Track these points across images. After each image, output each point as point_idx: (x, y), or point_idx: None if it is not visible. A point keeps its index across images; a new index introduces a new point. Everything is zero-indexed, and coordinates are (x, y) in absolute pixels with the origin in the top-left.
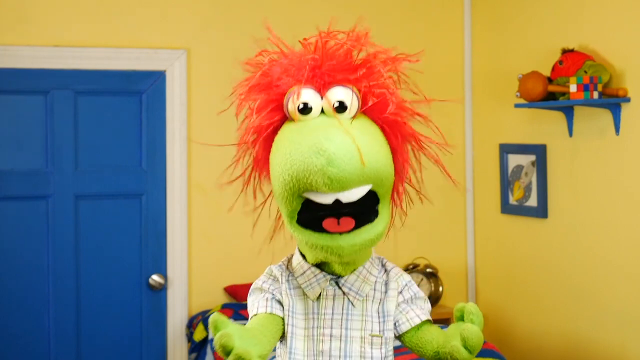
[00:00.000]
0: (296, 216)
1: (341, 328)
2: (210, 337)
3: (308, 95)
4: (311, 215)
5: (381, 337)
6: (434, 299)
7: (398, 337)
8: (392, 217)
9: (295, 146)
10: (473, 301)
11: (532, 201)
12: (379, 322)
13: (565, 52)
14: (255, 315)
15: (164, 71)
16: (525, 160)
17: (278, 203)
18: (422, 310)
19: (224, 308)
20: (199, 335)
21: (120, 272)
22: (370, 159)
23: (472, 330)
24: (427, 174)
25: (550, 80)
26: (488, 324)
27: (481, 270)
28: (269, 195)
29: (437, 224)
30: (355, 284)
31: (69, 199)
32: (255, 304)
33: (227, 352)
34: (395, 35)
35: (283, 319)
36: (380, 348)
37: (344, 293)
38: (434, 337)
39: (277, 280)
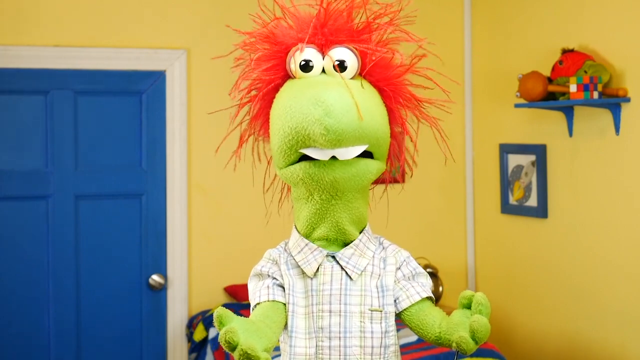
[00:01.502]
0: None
1: (340, 303)
2: (210, 336)
3: (310, 53)
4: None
5: (381, 311)
6: (434, 299)
7: (398, 314)
8: (386, 182)
9: (295, 99)
10: None
11: (532, 201)
12: (378, 297)
13: (565, 52)
14: (257, 304)
15: (164, 71)
16: (525, 160)
17: (274, 157)
18: (422, 287)
19: (225, 307)
20: (199, 335)
21: (120, 272)
22: (367, 116)
23: (481, 322)
24: (427, 173)
25: (550, 80)
26: None
27: (481, 270)
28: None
29: (437, 224)
30: (353, 258)
31: (69, 199)
32: (256, 292)
33: (233, 348)
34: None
35: (284, 304)
36: (380, 323)
37: (341, 267)
38: (436, 321)
39: (276, 262)
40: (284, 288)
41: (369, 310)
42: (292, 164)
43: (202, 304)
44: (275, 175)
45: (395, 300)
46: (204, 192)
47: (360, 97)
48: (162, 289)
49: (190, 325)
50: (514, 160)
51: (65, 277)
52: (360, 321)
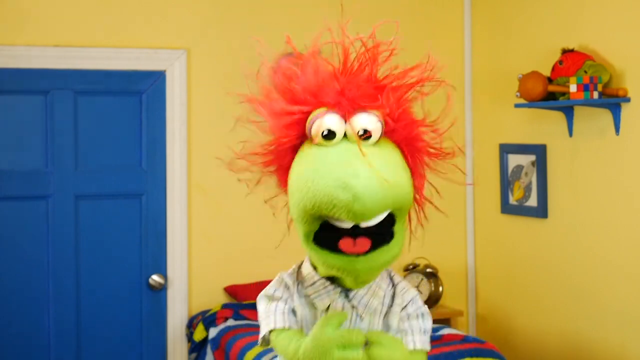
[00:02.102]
0: (312, 236)
1: None
2: (210, 336)
3: (333, 121)
4: (328, 235)
5: None
6: (434, 299)
7: None
8: (408, 235)
9: (319, 176)
10: (473, 301)
11: (532, 201)
12: None
13: (565, 52)
14: (273, 330)
15: (164, 71)
16: (525, 160)
17: (294, 221)
18: (420, 337)
19: (224, 308)
20: (199, 335)
21: (120, 272)
22: (394, 189)
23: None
24: (427, 173)
25: (550, 80)
26: (488, 324)
27: (481, 270)
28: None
29: (437, 224)
30: (365, 298)
31: (69, 199)
32: (270, 315)
33: None
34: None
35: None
36: None
37: (352, 306)
38: None
39: (289, 288)
40: (295, 313)
41: None
42: (312, 230)
43: (202, 304)
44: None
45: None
46: (204, 192)
47: (387, 171)
48: (162, 289)
49: (190, 325)
50: (514, 160)
51: (65, 277)
52: None
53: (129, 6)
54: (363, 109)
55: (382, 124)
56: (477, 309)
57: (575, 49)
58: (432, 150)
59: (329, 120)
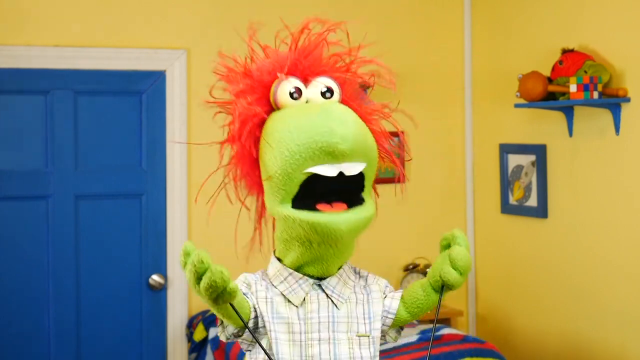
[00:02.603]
0: (291, 202)
1: (328, 331)
2: (210, 336)
3: (296, 82)
4: (305, 202)
5: (368, 336)
6: None
7: (395, 321)
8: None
9: (302, 118)
10: (473, 301)
11: (532, 201)
12: (365, 323)
13: (565, 52)
14: None
15: (164, 71)
16: (525, 160)
17: (271, 190)
18: (398, 291)
19: None
20: (199, 335)
21: (120, 272)
22: (369, 140)
23: (459, 251)
24: (427, 173)
25: (550, 80)
26: (488, 324)
27: (481, 270)
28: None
29: (437, 224)
30: (337, 287)
31: (69, 199)
32: None
33: (203, 271)
34: (395, 35)
35: (255, 307)
36: (369, 347)
37: (327, 296)
38: (421, 280)
39: (250, 287)
40: (255, 309)
41: (357, 336)
42: (292, 191)
43: (202, 304)
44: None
45: (385, 310)
46: (204, 192)
47: (359, 122)
48: (162, 289)
49: (190, 325)
50: (514, 160)
51: (65, 277)
52: (350, 347)
53: (129, 6)
54: (322, 73)
55: (339, 87)
56: (477, 309)
57: (575, 49)
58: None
59: (292, 81)
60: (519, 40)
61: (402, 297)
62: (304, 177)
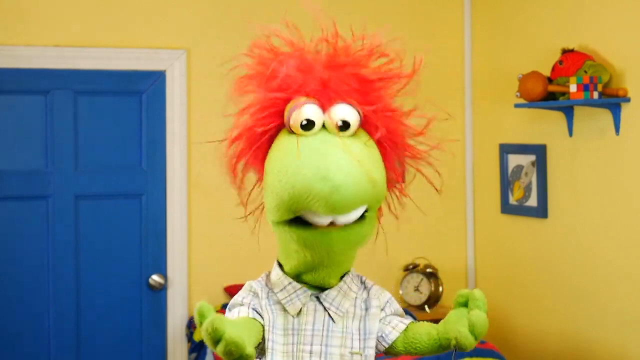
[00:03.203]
0: (287, 222)
1: (321, 345)
2: None
3: (312, 111)
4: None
5: (361, 354)
6: (434, 299)
7: (388, 349)
8: (378, 223)
9: (298, 167)
10: None
11: (532, 201)
12: (359, 340)
13: (565, 52)
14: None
15: (164, 71)
16: (525, 160)
17: (266, 209)
18: (403, 319)
19: (224, 308)
20: (199, 335)
21: (120, 272)
22: (374, 184)
23: (480, 316)
24: (427, 173)
25: (550, 80)
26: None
27: (481, 270)
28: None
29: (437, 224)
30: (336, 299)
31: (69, 199)
32: (235, 312)
33: (218, 338)
34: (395, 35)
35: (263, 327)
36: None
37: (324, 308)
38: (430, 329)
39: (257, 295)
40: (263, 318)
41: (350, 353)
42: (285, 221)
43: None
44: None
45: (380, 337)
46: (204, 192)
47: (367, 164)
48: (162, 289)
49: (190, 325)
50: (514, 160)
51: (65, 277)
52: None
53: (129, 6)
54: (342, 99)
55: (361, 116)
56: None
57: (575, 49)
58: (410, 147)
59: (308, 109)
60: (519, 40)
61: (404, 332)
62: (294, 215)
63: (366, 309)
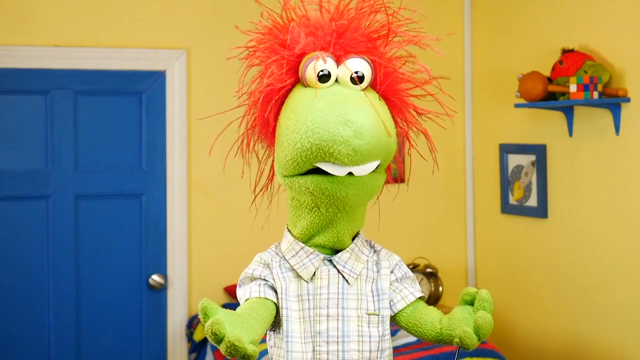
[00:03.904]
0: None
1: (337, 307)
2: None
3: (328, 63)
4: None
5: (378, 315)
6: (434, 299)
7: (393, 317)
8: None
9: (319, 114)
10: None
11: (532, 201)
12: (374, 301)
13: (565, 52)
14: (246, 300)
15: (164, 71)
16: (525, 160)
17: (280, 165)
18: (414, 288)
19: (224, 308)
20: (199, 335)
21: (120, 272)
22: (388, 137)
23: (486, 318)
24: (427, 173)
25: (550, 80)
26: None
27: (481, 270)
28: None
29: (437, 224)
30: (349, 262)
31: (69, 199)
32: (247, 290)
33: (219, 340)
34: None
35: (276, 304)
36: (378, 326)
37: (338, 271)
38: (435, 318)
39: (268, 266)
40: (275, 290)
41: (367, 314)
42: (301, 174)
43: None
44: (268, 175)
45: (389, 302)
46: (204, 192)
47: (382, 114)
48: (162, 289)
49: (190, 325)
50: (514, 160)
51: (65, 277)
52: (358, 325)
53: (129, 6)
54: (357, 52)
55: (372, 70)
56: None
57: (575, 49)
58: (417, 109)
59: (323, 62)
60: (519, 40)
61: (412, 311)
62: (311, 167)
63: (377, 271)
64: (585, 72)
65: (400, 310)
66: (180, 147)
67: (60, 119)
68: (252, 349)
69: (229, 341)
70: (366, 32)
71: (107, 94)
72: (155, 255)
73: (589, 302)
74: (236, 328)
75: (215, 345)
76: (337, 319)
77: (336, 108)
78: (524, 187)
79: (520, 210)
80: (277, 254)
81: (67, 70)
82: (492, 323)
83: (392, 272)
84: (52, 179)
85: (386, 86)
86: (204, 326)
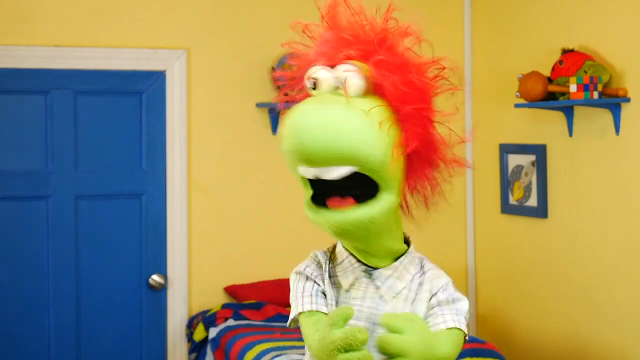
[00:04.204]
0: (310, 200)
1: (367, 322)
2: (210, 336)
3: (317, 70)
4: (318, 196)
5: None
6: (467, 301)
7: None
8: (401, 215)
9: (292, 119)
10: (473, 301)
11: (532, 201)
12: None
13: (565, 52)
14: (302, 313)
15: (164, 71)
16: (525, 160)
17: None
18: (452, 316)
19: (224, 308)
20: (199, 335)
21: (120, 272)
22: (350, 141)
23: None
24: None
25: (550, 80)
26: (488, 324)
27: (481, 270)
28: None
29: (437, 224)
30: (389, 280)
31: (69, 199)
32: (299, 297)
33: (352, 349)
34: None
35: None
36: None
37: (376, 287)
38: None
39: (321, 266)
40: (325, 295)
41: None
42: (307, 188)
43: (202, 304)
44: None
45: (427, 323)
46: (204, 192)
47: (345, 117)
48: (162, 289)
49: (190, 325)
50: (514, 160)
51: (65, 277)
52: None
53: (129, 6)
54: (349, 58)
55: (362, 77)
56: (477, 309)
57: (575, 49)
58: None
59: (313, 69)
60: (519, 40)
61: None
62: (303, 180)
63: (419, 293)
64: (585, 72)
65: None
66: (180, 147)
67: (60, 119)
68: None
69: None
70: (366, 38)
71: (107, 94)
72: (155, 255)
73: (589, 302)
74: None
75: (336, 350)
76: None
77: (294, 118)
78: (524, 187)
79: (520, 210)
80: (330, 257)
81: (67, 70)
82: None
83: (434, 295)
84: (52, 179)
85: (393, 99)
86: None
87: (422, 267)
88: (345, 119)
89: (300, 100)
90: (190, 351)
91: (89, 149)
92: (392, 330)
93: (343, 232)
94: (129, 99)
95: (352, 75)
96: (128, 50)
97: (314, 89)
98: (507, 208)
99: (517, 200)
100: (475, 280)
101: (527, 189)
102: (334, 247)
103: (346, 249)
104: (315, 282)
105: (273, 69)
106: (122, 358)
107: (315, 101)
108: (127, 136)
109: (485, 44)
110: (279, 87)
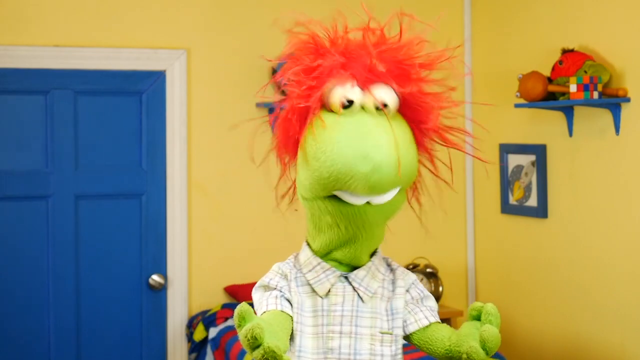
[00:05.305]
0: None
1: (351, 325)
2: (210, 336)
3: (355, 91)
4: None
5: (391, 334)
6: (434, 299)
7: (405, 336)
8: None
9: (338, 146)
10: (473, 301)
11: (532, 201)
12: (388, 320)
13: (565, 52)
14: (265, 312)
15: (164, 71)
16: (525, 160)
17: (300, 186)
18: (430, 312)
19: (224, 308)
20: (199, 335)
21: (120, 272)
22: (410, 167)
23: (492, 332)
24: (427, 173)
25: (550, 80)
26: None
27: (481, 270)
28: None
29: (437, 224)
30: (365, 280)
31: (69, 199)
32: (263, 301)
33: (256, 345)
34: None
35: (292, 317)
36: (390, 346)
37: (353, 289)
38: (445, 335)
39: (286, 277)
40: (291, 303)
41: (380, 332)
42: (320, 198)
43: (202, 304)
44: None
45: (404, 322)
46: (204, 192)
47: (403, 146)
48: (162, 289)
49: (190, 325)
50: (514, 160)
51: (65, 277)
52: (371, 344)
53: (129, 6)
54: (382, 81)
55: (398, 98)
56: None
57: (575, 49)
58: (439, 134)
59: (348, 89)
60: (519, 40)
61: (424, 329)
62: (330, 193)
63: (392, 290)
64: (585, 72)
65: (411, 332)
66: (180, 147)
67: (60, 119)
68: (287, 359)
69: (268, 347)
70: (402, 68)
71: (107, 94)
72: (155, 255)
73: (589, 302)
74: (272, 336)
75: (249, 350)
76: (350, 337)
77: (356, 142)
78: (524, 187)
79: (520, 210)
80: (294, 266)
81: (67, 70)
82: (499, 336)
83: (407, 291)
84: (52, 179)
85: (415, 116)
86: (238, 330)
87: (389, 265)
88: (406, 147)
89: (313, 112)
90: (190, 351)
91: (89, 149)
92: (496, 324)
93: (376, 222)
94: (129, 99)
95: (394, 99)
96: (128, 50)
97: (345, 107)
98: (507, 208)
99: (517, 200)
100: (475, 280)
101: (527, 189)
102: (296, 257)
103: (315, 255)
104: (279, 291)
105: (273, 69)
106: (122, 358)
107: (371, 134)
108: (127, 136)
109: (485, 44)
110: (282, 92)
